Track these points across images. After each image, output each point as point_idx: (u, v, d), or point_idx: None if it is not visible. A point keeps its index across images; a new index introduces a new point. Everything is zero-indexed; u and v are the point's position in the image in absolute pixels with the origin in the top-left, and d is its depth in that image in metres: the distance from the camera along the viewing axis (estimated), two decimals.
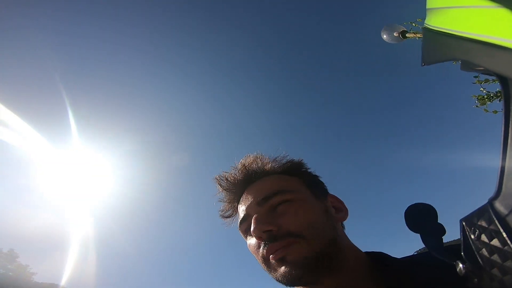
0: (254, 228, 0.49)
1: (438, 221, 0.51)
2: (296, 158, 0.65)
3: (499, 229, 0.29)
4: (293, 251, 0.47)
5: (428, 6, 0.37)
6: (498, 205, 0.30)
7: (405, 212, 0.53)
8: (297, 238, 0.48)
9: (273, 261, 0.48)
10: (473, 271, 0.34)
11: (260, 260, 0.51)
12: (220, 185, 0.63)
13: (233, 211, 0.63)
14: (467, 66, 0.32)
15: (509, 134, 0.28)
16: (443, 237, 0.48)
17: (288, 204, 0.52)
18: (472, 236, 0.34)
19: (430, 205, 0.53)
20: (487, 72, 0.31)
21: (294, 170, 0.62)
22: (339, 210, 0.59)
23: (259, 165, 0.62)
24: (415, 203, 0.55)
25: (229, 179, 0.61)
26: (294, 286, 0.48)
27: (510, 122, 0.28)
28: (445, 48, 0.34)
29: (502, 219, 0.29)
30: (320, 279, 0.47)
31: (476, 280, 0.34)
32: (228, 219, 0.65)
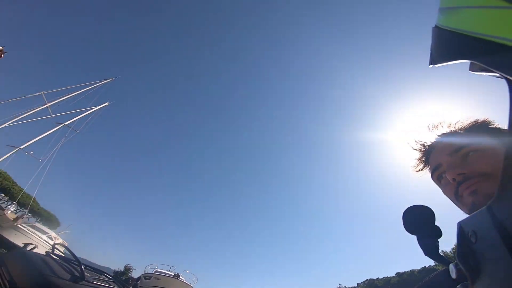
0: (448, 173, 0.61)
1: (435, 224, 0.52)
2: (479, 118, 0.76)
3: (495, 233, 0.28)
4: (483, 186, 0.57)
5: (441, 5, 0.36)
6: (496, 209, 0.30)
7: (403, 214, 0.55)
8: (484, 177, 0.58)
9: (466, 194, 0.57)
10: (467, 274, 0.34)
11: (453, 198, 0.62)
12: (413, 147, 0.78)
13: (423, 165, 0.76)
14: (476, 67, 0.31)
15: None
16: (439, 240, 0.49)
17: (475, 153, 0.63)
18: (469, 239, 0.34)
19: (428, 207, 0.56)
20: (495, 74, 0.29)
21: (478, 129, 0.72)
22: None
23: (446, 125, 0.75)
24: (413, 205, 0.57)
25: (420, 141, 0.77)
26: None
27: None
28: (455, 48, 0.33)
29: (499, 224, 0.29)
30: None
31: (469, 283, 0.34)
32: (420, 172, 0.79)
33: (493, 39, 0.26)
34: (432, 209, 0.58)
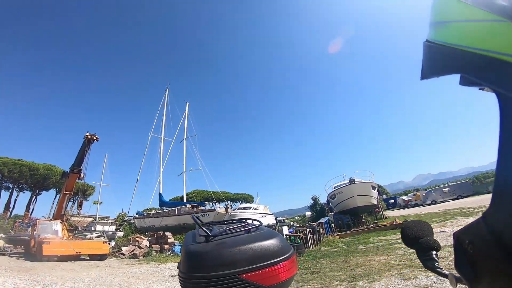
0: None
1: (434, 237, 0.53)
2: None
3: (492, 242, 0.29)
4: None
5: (432, 20, 0.36)
6: (492, 219, 0.30)
7: (401, 229, 0.55)
8: None
9: None
10: (466, 283, 0.35)
11: None
12: None
13: None
14: (466, 81, 0.32)
15: (503, 150, 0.28)
16: (437, 252, 0.50)
17: None
18: (466, 249, 0.34)
19: (425, 222, 0.56)
20: (485, 88, 0.30)
21: None
22: None
23: None
24: (412, 220, 0.57)
25: None
26: None
27: (504, 139, 0.28)
28: (445, 62, 0.33)
29: (494, 233, 0.29)
30: None
31: None
32: None
33: (482, 53, 0.26)
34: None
